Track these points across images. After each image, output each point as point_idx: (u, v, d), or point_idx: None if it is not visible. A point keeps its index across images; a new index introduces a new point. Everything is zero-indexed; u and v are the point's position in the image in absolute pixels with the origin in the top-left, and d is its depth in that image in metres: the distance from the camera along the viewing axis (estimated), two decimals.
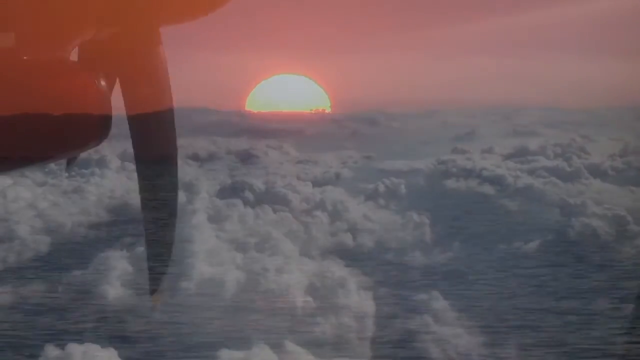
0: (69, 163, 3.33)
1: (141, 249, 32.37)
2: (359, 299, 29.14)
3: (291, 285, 28.57)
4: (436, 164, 61.31)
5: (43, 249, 37.34)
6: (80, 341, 23.77)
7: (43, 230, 39.12)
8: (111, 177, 50.08)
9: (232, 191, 46.88)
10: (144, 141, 2.36)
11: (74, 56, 2.29)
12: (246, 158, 69.34)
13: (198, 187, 38.43)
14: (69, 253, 36.43)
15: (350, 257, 36.79)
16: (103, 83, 2.14)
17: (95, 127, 2.13)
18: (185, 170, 57.33)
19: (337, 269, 31.55)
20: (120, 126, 2.32)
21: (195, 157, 67.49)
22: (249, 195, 46.05)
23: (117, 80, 2.39)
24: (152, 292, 2.59)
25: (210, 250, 32.12)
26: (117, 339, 26.05)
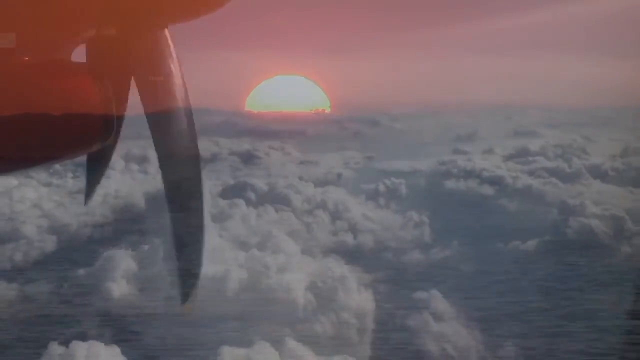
0: (88, 196, 3.21)
1: (146, 247, 32.73)
2: (359, 297, 29.39)
3: (293, 284, 28.78)
4: (437, 164, 61.28)
5: (49, 248, 37.71)
6: (85, 339, 23.97)
7: (49, 230, 39.40)
8: (116, 178, 50.21)
9: (234, 191, 47.07)
10: (164, 139, 2.28)
11: (82, 57, 2.31)
12: (248, 159, 69.40)
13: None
14: (75, 252, 36.70)
15: (351, 256, 37.07)
16: (105, 83, 2.14)
17: (98, 128, 2.15)
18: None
19: (338, 268, 31.77)
20: (123, 127, 2.41)
21: None
22: (251, 195, 46.26)
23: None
24: (184, 299, 2.49)
25: (213, 249, 32.37)
26: (121, 337, 26.31)
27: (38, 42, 2.00)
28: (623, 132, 74.44)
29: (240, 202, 42.24)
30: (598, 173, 54.59)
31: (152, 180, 50.97)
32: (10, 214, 40.78)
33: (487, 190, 51.85)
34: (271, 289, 28.47)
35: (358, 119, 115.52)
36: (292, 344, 24.89)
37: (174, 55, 2.27)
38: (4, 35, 1.87)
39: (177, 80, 2.24)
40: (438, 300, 30.37)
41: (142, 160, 54.73)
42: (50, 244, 38.10)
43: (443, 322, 29.09)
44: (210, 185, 46.77)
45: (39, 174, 46.18)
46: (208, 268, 30.74)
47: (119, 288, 30.05)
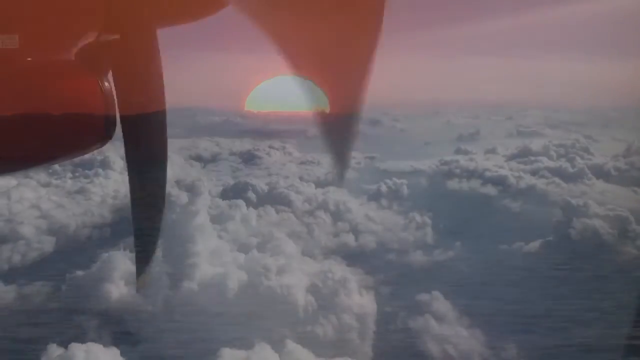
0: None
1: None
2: (360, 299, 29.18)
3: (293, 285, 28.57)
4: (439, 164, 61.11)
5: (47, 249, 37.56)
6: (83, 341, 23.83)
7: (47, 231, 39.27)
8: (115, 178, 50.10)
9: (234, 192, 46.90)
10: (135, 143, 2.31)
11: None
12: (249, 159, 69.31)
13: (200, 187, 38.39)
14: (73, 253, 36.54)
15: (352, 257, 36.86)
16: (107, 84, 2.15)
17: (99, 128, 2.14)
18: (188, 171, 57.46)
19: (339, 269, 31.57)
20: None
21: (198, 158, 67.60)
22: (251, 196, 46.09)
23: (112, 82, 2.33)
24: (138, 275, 2.57)
25: (213, 250, 32.18)
26: (119, 339, 26.17)
27: (40, 42, 2.00)
28: (626, 132, 74.28)
29: (241, 202, 42.02)
30: (601, 173, 54.36)
31: None
32: (9, 215, 40.65)
33: (490, 190, 51.63)
34: (271, 291, 28.24)
35: (359, 118, 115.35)
36: (292, 346, 24.70)
37: (160, 56, 2.28)
38: (6, 36, 1.87)
39: (158, 86, 2.27)
40: (440, 302, 30.18)
41: None
42: (48, 245, 37.95)
43: (445, 323, 28.89)
44: (210, 185, 46.66)
45: (38, 174, 46.09)
46: (208, 269, 30.60)
47: (118, 289, 29.85)
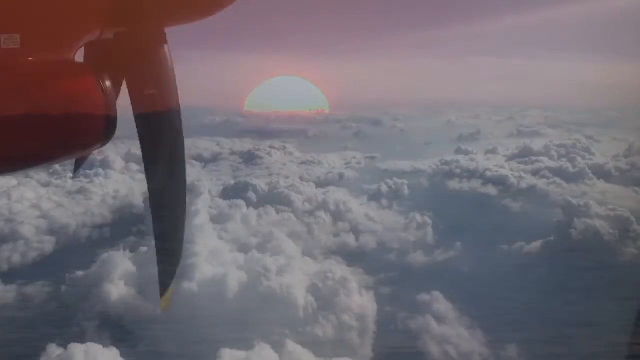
0: (77, 168, 3.30)
1: (144, 249, 32.51)
2: (360, 299, 29.11)
3: (293, 286, 28.50)
4: (439, 164, 61.04)
5: (47, 249, 37.54)
6: (83, 340, 23.78)
7: (47, 231, 39.24)
8: (115, 178, 50.10)
9: (235, 192, 46.84)
10: (152, 141, 2.34)
11: (79, 57, 2.30)
12: (249, 159, 69.28)
13: (201, 187, 38.32)
14: (73, 253, 36.51)
15: (353, 257, 36.82)
16: (108, 84, 2.15)
17: (100, 128, 2.14)
18: (189, 171, 57.36)
19: (339, 269, 31.50)
20: (123, 127, 2.33)
21: (198, 158, 67.56)
22: (252, 195, 46.02)
23: (124, 81, 2.40)
24: (162, 291, 2.54)
25: (213, 250, 32.09)
26: (119, 339, 26.13)
27: (42, 42, 2.01)
28: (627, 132, 74.21)
29: (241, 202, 41.96)
30: (602, 173, 54.27)
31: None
32: (10, 214, 40.62)
33: (491, 190, 51.55)
34: (271, 291, 28.16)
35: (360, 118, 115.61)
36: (292, 346, 24.64)
37: (169, 55, 2.33)
38: (9, 36, 1.88)
39: (170, 84, 2.32)
40: (440, 302, 30.12)
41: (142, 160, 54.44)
42: (48, 244, 37.92)
43: (445, 323, 28.84)
44: (210, 185, 46.57)
45: (39, 174, 46.08)
46: (208, 270, 30.51)
47: (117, 289, 29.80)
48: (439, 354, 26.92)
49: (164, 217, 2.43)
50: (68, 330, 27.26)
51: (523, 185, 51.35)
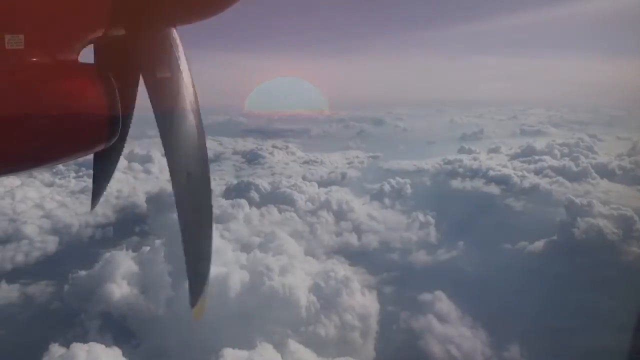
0: (95, 198, 3.25)
1: (147, 249, 32.60)
2: (363, 299, 29.08)
3: (295, 285, 28.47)
4: (442, 163, 60.98)
5: (50, 249, 37.65)
6: (85, 340, 23.83)
7: (51, 230, 39.35)
8: (118, 178, 50.17)
9: (237, 191, 46.88)
10: (173, 137, 2.30)
11: (90, 58, 2.31)
12: (252, 158, 69.33)
13: None
14: (76, 253, 36.59)
15: (355, 256, 36.81)
16: (113, 84, 2.15)
17: (104, 128, 2.13)
18: None
19: (341, 269, 31.47)
20: (129, 128, 2.34)
21: None
22: (254, 195, 46.03)
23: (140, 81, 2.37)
24: (193, 304, 2.40)
25: (215, 250, 32.04)
26: (122, 338, 26.17)
27: (46, 43, 1.99)
28: (630, 131, 74.01)
29: (243, 202, 41.97)
30: (605, 172, 54.08)
31: (155, 180, 50.93)
32: (13, 214, 40.75)
33: (493, 189, 51.44)
34: (274, 291, 28.14)
35: (363, 118, 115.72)
36: (294, 345, 24.64)
37: (182, 54, 2.32)
38: (12, 36, 1.87)
39: (185, 79, 2.29)
40: (442, 302, 30.08)
41: (145, 159, 54.74)
42: (51, 244, 38.01)
43: (448, 323, 28.80)
44: (213, 184, 46.53)
45: (42, 174, 46.21)
46: (210, 269, 30.52)
47: (120, 289, 29.85)
48: (441, 354, 26.89)
49: (192, 220, 2.38)
50: (71, 329, 27.36)
51: (526, 184, 51.21)
